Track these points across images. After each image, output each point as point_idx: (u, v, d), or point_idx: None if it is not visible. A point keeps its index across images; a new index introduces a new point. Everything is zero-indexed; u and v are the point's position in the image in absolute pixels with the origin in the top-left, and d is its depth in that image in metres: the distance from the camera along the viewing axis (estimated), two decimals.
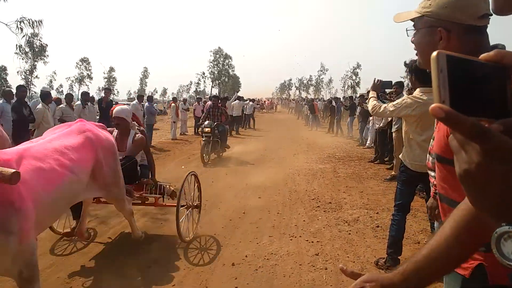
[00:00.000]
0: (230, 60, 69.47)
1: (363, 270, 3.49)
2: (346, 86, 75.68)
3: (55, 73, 61.56)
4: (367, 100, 3.87)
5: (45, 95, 7.80)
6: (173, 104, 15.78)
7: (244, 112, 19.36)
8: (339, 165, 9.21)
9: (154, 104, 13.18)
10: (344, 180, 7.52)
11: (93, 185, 3.04)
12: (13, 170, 1.94)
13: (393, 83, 3.74)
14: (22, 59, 42.17)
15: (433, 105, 0.50)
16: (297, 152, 11.49)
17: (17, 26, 15.21)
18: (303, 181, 7.38)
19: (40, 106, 7.57)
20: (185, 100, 19.28)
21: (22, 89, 7.69)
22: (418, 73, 3.30)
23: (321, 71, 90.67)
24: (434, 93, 0.52)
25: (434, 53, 0.53)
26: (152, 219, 5.02)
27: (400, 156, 3.65)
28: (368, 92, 3.90)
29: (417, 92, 3.32)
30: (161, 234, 4.45)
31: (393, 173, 7.46)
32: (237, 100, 18.23)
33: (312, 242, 4.23)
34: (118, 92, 68.73)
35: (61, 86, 68.80)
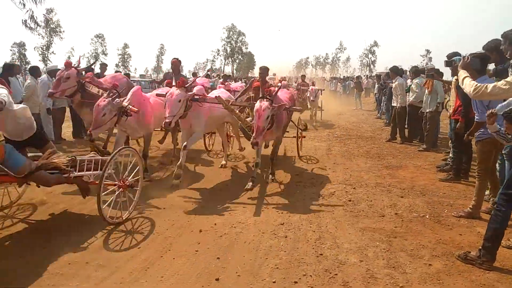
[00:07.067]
0: (244, 37, 68.72)
1: (319, 239, 3.69)
2: (363, 65, 74.07)
3: (73, 49, 61.61)
4: (460, 83, 3.27)
5: (34, 70, 8.32)
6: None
7: None
8: (335, 143, 9.29)
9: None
10: (334, 157, 7.63)
11: None
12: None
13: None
14: (39, 34, 42.88)
15: None
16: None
17: (20, 1, 15.51)
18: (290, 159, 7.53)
19: (30, 80, 8.00)
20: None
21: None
22: None
23: (339, 49, 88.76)
24: None
25: None
26: None
27: None
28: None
29: None
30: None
31: (424, 146, 8.31)
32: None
33: (282, 212, 4.43)
34: (136, 69, 68.81)
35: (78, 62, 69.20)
